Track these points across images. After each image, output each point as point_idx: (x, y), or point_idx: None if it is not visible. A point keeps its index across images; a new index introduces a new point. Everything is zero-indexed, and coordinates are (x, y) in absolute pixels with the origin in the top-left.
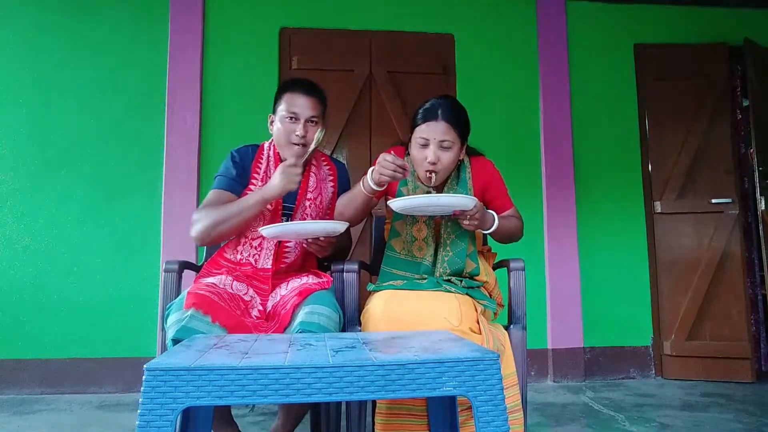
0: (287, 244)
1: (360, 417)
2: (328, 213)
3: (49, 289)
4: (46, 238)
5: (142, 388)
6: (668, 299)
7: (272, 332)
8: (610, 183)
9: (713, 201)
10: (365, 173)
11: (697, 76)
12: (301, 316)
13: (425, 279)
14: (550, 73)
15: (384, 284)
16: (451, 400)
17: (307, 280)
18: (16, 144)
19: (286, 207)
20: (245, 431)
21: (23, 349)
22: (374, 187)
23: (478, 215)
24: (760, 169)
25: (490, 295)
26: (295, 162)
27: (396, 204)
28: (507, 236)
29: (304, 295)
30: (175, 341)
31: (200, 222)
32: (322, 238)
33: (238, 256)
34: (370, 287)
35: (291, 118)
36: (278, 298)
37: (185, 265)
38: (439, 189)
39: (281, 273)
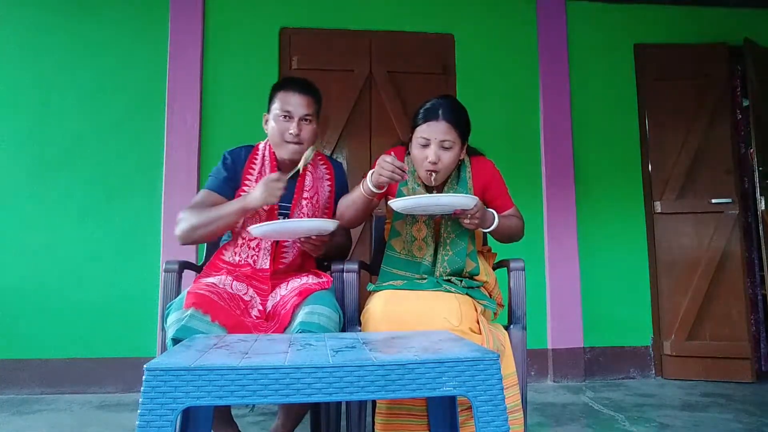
0: (284, 244)
1: (360, 417)
2: (325, 212)
3: (49, 289)
4: (46, 238)
5: (142, 388)
6: (668, 299)
7: (272, 332)
8: (610, 183)
9: (713, 201)
10: (365, 176)
11: (697, 76)
12: (301, 316)
13: (425, 279)
14: (550, 73)
15: (384, 284)
16: (451, 400)
17: (307, 280)
18: (17, 144)
19: (283, 207)
20: (245, 431)
21: (23, 349)
22: (374, 190)
23: (479, 214)
24: (760, 169)
25: (490, 295)
26: (279, 177)
27: (397, 204)
28: (507, 235)
29: (304, 295)
30: (175, 341)
31: (183, 222)
32: (314, 237)
33: (237, 258)
34: (370, 287)
35: (285, 116)
36: (278, 298)
37: (185, 265)
38: (440, 189)
39: (280, 273)
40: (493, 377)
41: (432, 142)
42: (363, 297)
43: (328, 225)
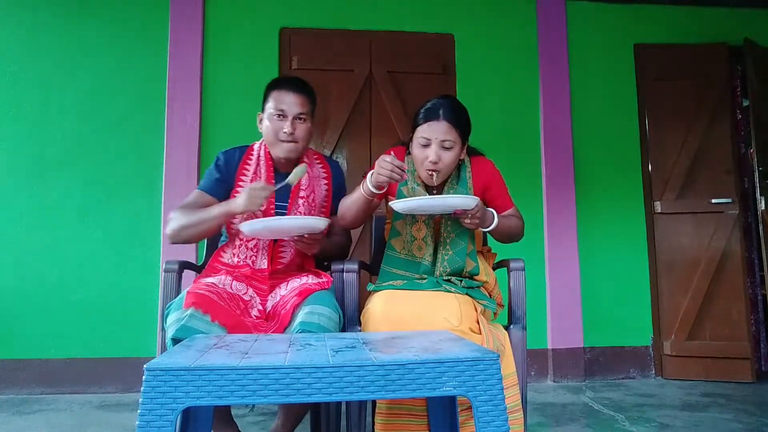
0: (282, 244)
1: (360, 417)
2: (322, 211)
3: (49, 289)
4: (46, 238)
5: (142, 388)
6: (668, 299)
7: (272, 332)
8: (610, 183)
9: (713, 201)
10: (365, 176)
11: (697, 76)
12: (300, 316)
13: (425, 279)
14: (550, 73)
15: (384, 284)
16: (451, 400)
17: (307, 280)
18: (17, 144)
19: (279, 206)
20: (245, 431)
21: (23, 349)
22: (373, 190)
23: (479, 214)
24: (760, 169)
25: (490, 295)
26: (263, 186)
27: (399, 205)
28: (507, 235)
29: (303, 295)
30: (175, 340)
31: (172, 222)
32: (306, 236)
33: (236, 259)
34: (370, 287)
35: (279, 115)
36: (278, 299)
37: (185, 265)
38: (440, 188)
39: (280, 273)
40: (493, 377)
41: (433, 141)
42: (363, 297)
43: (317, 223)
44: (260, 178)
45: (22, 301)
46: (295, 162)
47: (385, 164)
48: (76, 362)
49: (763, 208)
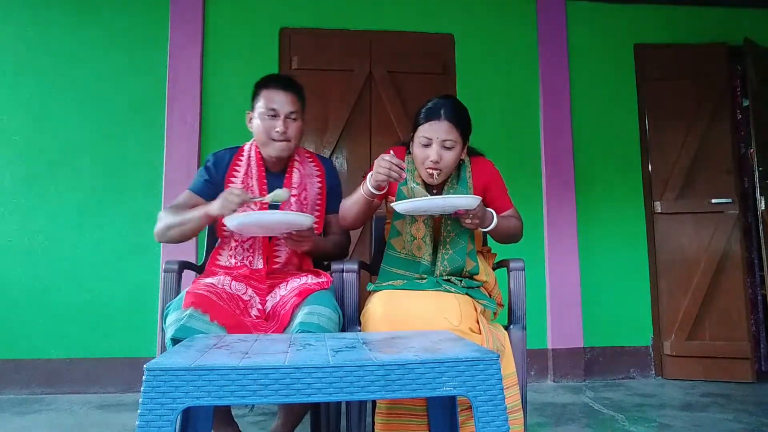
0: (276, 244)
1: (360, 417)
2: (316, 210)
3: (49, 289)
4: (46, 238)
5: (142, 388)
6: (668, 299)
7: (271, 332)
8: (610, 183)
9: (713, 201)
10: (365, 177)
11: (697, 76)
12: (300, 316)
13: (425, 279)
14: (550, 73)
15: (384, 284)
16: (451, 400)
17: (306, 280)
18: (17, 143)
19: (272, 205)
20: (245, 431)
21: (23, 349)
22: (373, 191)
23: (479, 213)
24: (760, 169)
25: (490, 295)
26: (239, 193)
27: (401, 206)
28: (506, 236)
29: (303, 295)
30: (174, 341)
31: (160, 221)
32: (294, 233)
33: (233, 261)
34: (370, 287)
35: (270, 114)
36: (278, 299)
37: (185, 265)
38: (440, 188)
39: (278, 273)
40: (493, 377)
41: (434, 141)
42: (363, 297)
43: (301, 219)
44: (251, 178)
45: (22, 301)
46: (286, 161)
47: (383, 162)
48: (76, 362)
49: (763, 208)
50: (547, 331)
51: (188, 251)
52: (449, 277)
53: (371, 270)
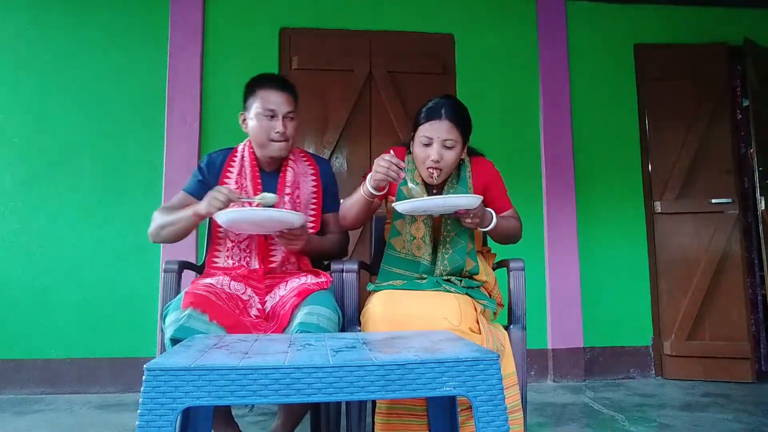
0: (272, 244)
1: (360, 417)
2: (311, 208)
3: (49, 289)
4: (46, 238)
5: (142, 388)
6: (668, 299)
7: (271, 333)
8: (610, 183)
9: (713, 201)
10: (365, 177)
11: (697, 76)
12: (299, 317)
13: (425, 279)
14: (550, 73)
15: (384, 284)
16: (451, 400)
17: (306, 280)
18: (17, 143)
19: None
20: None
21: (23, 349)
22: (372, 191)
23: (479, 213)
24: (760, 169)
25: (490, 295)
26: (226, 192)
27: (402, 206)
28: (505, 236)
29: (302, 295)
30: (174, 341)
31: (153, 222)
32: (286, 231)
33: (230, 261)
34: (370, 287)
35: (269, 115)
36: (277, 299)
37: (185, 265)
38: (439, 188)
39: (276, 273)
40: (493, 377)
41: (435, 141)
42: (363, 297)
43: (291, 217)
44: (245, 179)
45: (22, 301)
46: (280, 160)
47: (382, 162)
48: (76, 362)
49: (763, 208)
50: (547, 331)
51: (188, 251)
52: (449, 277)
53: (371, 270)
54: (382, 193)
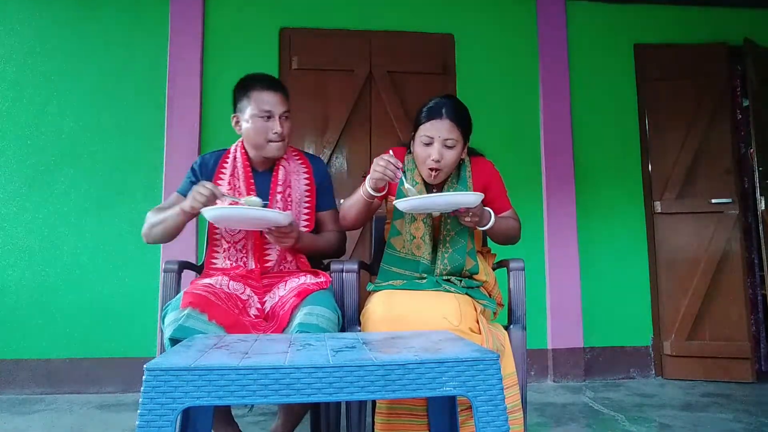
0: (266, 244)
1: (360, 417)
2: (305, 207)
3: (49, 288)
4: (46, 238)
5: (142, 388)
6: (668, 299)
7: (271, 333)
8: (610, 183)
9: (713, 201)
10: (364, 178)
11: (697, 76)
12: (299, 317)
13: (425, 279)
14: (550, 73)
15: (384, 284)
16: (451, 400)
17: (305, 280)
18: (17, 144)
19: (262, 205)
20: (245, 431)
21: (23, 349)
22: (371, 192)
23: (478, 211)
24: (760, 169)
25: (490, 295)
26: (211, 187)
27: (403, 204)
28: (504, 236)
29: (302, 296)
30: (173, 341)
31: (145, 222)
32: (274, 229)
33: (228, 262)
34: (370, 287)
35: (265, 116)
36: (276, 299)
37: (185, 265)
38: (440, 188)
39: (274, 272)
40: (493, 377)
41: (435, 140)
42: (363, 297)
43: (276, 217)
44: (238, 179)
45: (22, 301)
46: (273, 160)
47: (381, 161)
48: (76, 362)
49: (763, 208)
50: (547, 331)
51: (188, 251)
52: (449, 277)
53: (371, 270)
54: (381, 194)
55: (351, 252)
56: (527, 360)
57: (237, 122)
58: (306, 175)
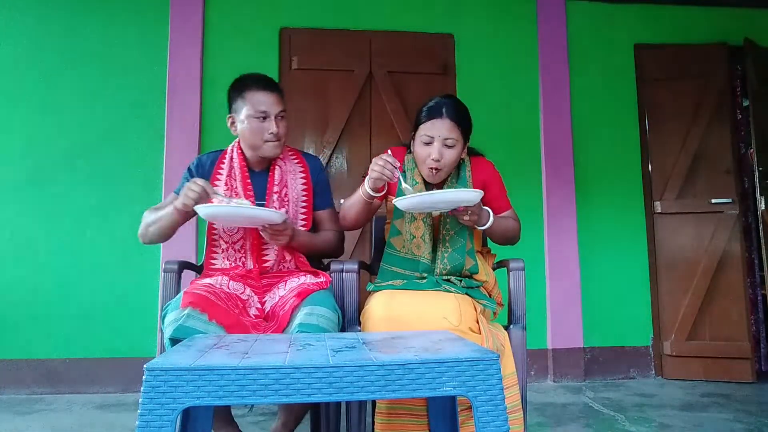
0: (264, 244)
1: (360, 417)
2: (302, 206)
3: (50, 289)
4: (46, 238)
5: (142, 388)
6: (668, 299)
7: (271, 333)
8: (610, 183)
9: (713, 201)
10: (364, 178)
11: (697, 76)
12: (299, 317)
13: (425, 279)
14: (550, 73)
15: (384, 284)
16: (451, 400)
17: (305, 279)
18: (17, 144)
19: (258, 204)
20: (245, 431)
21: (23, 349)
22: (370, 192)
23: (477, 210)
24: (760, 169)
25: (490, 295)
26: (202, 183)
27: (401, 203)
28: (503, 236)
29: (302, 296)
30: (173, 340)
31: (141, 221)
32: (268, 227)
33: (227, 262)
34: (370, 287)
35: (261, 117)
36: (276, 299)
37: (185, 265)
38: (439, 187)
39: (273, 272)
40: (493, 377)
41: (435, 139)
42: (363, 297)
43: (270, 215)
44: (235, 180)
45: (22, 301)
46: (269, 159)
47: (379, 161)
48: (76, 362)
49: (763, 208)
50: (547, 331)
51: (188, 251)
52: (449, 277)
53: (371, 270)
54: (380, 194)
55: (351, 252)
56: (527, 360)
57: (232, 123)
58: (302, 175)
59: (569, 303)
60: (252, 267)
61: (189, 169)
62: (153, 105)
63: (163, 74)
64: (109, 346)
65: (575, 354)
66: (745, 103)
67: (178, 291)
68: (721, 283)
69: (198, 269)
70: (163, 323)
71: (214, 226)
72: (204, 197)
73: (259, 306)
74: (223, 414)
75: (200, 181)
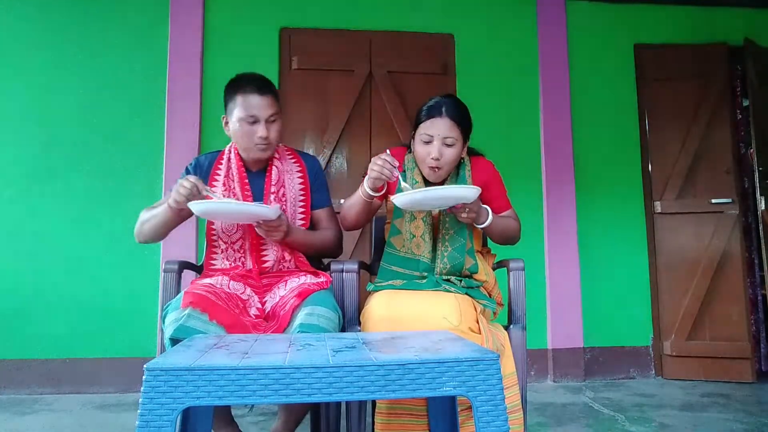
0: (263, 244)
1: (360, 417)
2: (300, 205)
3: (49, 288)
4: (46, 238)
5: (142, 388)
6: (668, 299)
7: (271, 333)
8: (610, 183)
9: (713, 201)
10: (363, 178)
11: (697, 76)
12: (300, 317)
13: (425, 279)
14: (550, 72)
15: (384, 284)
16: (451, 400)
17: (306, 279)
18: (17, 144)
19: (258, 203)
20: (245, 431)
21: (23, 349)
22: (370, 192)
23: (476, 207)
24: (760, 169)
25: (490, 295)
26: (193, 180)
27: (400, 200)
28: (503, 236)
29: (303, 296)
30: (173, 340)
31: (138, 220)
32: (262, 223)
33: (227, 263)
34: (370, 287)
35: (250, 121)
36: (277, 299)
37: (185, 265)
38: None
39: (273, 272)
40: (493, 377)
41: (435, 138)
42: (363, 297)
43: (263, 211)
44: (232, 180)
45: (22, 301)
46: (266, 160)
47: (377, 161)
48: (76, 362)
49: (763, 208)
50: (547, 331)
51: (188, 251)
52: (449, 277)
53: (371, 270)
54: (380, 193)
55: (351, 252)
56: (527, 360)
57: (226, 123)
58: (300, 174)
59: (569, 303)
60: (251, 267)
61: (187, 170)
62: (153, 105)
63: (164, 74)
64: (109, 346)
65: (575, 354)
66: (745, 103)
67: (178, 291)
68: (721, 283)
69: (198, 269)
70: (163, 323)
71: (213, 226)
72: (196, 194)
73: (259, 306)
74: (223, 414)
75: (192, 178)
